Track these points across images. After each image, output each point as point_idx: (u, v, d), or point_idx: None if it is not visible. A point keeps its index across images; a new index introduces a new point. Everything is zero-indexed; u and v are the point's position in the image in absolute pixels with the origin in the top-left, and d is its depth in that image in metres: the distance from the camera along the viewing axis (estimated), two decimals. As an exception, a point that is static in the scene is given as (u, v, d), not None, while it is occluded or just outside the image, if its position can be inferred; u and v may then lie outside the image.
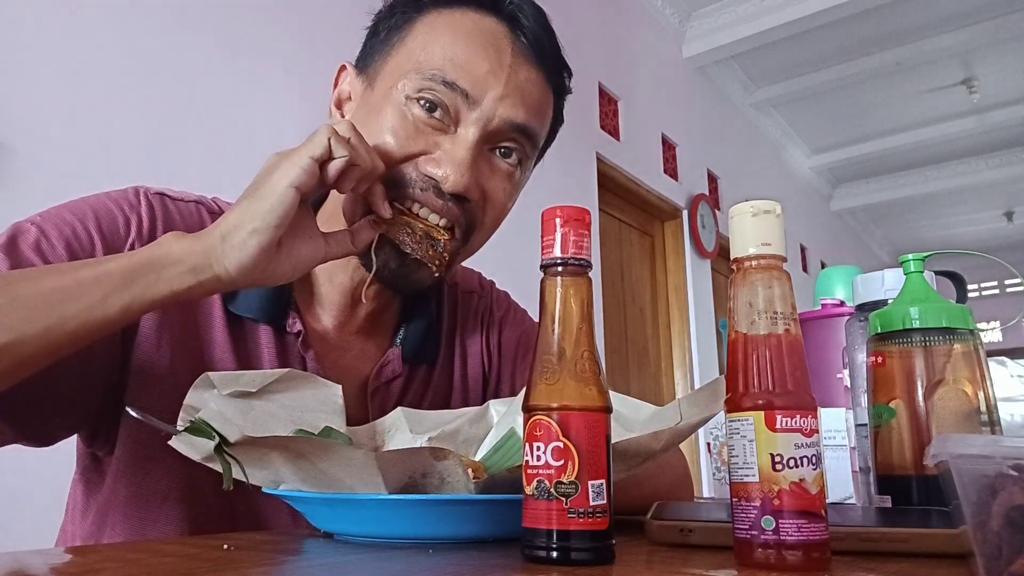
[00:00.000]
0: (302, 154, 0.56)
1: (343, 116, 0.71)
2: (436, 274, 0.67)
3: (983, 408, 0.58)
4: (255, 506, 0.66)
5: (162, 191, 0.69)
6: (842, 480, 0.72)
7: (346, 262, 0.70)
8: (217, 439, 0.47)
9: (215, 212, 0.71)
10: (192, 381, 0.56)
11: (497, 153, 0.68)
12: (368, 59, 0.70)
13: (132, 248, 0.63)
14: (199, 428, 0.48)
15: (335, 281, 0.72)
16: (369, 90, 0.69)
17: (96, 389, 0.62)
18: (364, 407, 0.72)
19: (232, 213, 0.55)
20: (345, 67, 0.73)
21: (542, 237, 0.42)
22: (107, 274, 0.52)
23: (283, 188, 0.55)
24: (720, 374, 0.48)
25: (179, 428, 0.49)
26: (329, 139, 0.57)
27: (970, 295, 0.75)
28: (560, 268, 0.42)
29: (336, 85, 0.73)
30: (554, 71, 0.70)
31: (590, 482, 0.38)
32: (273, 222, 0.54)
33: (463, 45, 0.65)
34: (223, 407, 0.55)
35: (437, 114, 0.64)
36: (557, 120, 0.75)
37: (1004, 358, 0.76)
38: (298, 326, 0.69)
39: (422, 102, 0.64)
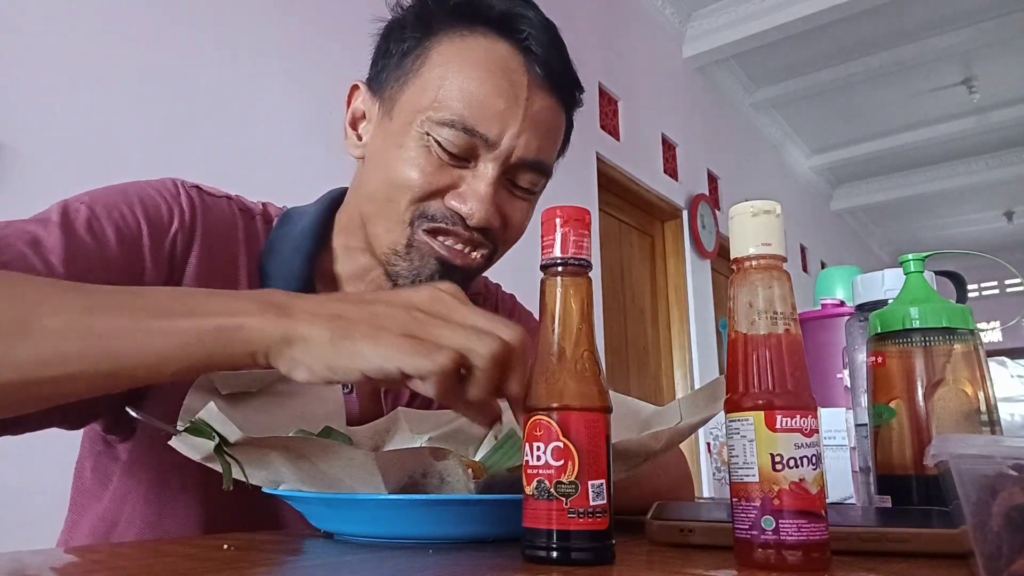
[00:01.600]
0: (444, 363, 0.42)
1: (359, 136, 0.73)
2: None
3: (983, 408, 0.58)
4: (273, 498, 0.66)
5: (196, 184, 0.71)
6: (842, 480, 0.72)
7: (365, 272, 0.72)
8: (217, 439, 0.47)
9: (244, 208, 0.73)
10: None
11: (516, 188, 0.70)
12: (382, 83, 0.71)
13: (175, 238, 0.64)
14: (199, 428, 0.48)
15: (355, 287, 0.74)
16: (387, 119, 0.69)
17: None
18: (378, 404, 0.72)
19: (321, 327, 0.44)
20: (358, 86, 0.74)
21: (542, 237, 0.42)
22: (177, 333, 0.45)
23: (365, 362, 0.43)
24: (720, 374, 0.48)
25: (179, 428, 0.49)
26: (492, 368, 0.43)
27: (970, 295, 0.75)
28: (560, 268, 0.42)
29: (349, 104, 0.74)
30: (567, 92, 0.71)
31: (590, 482, 0.38)
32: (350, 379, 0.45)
33: (478, 81, 0.65)
34: (223, 407, 0.55)
35: (458, 153, 0.66)
36: (568, 129, 0.76)
37: (1004, 358, 0.76)
38: None
39: (444, 146, 0.65)
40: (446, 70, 0.66)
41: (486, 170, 0.66)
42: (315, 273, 0.71)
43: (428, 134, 0.65)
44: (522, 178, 0.69)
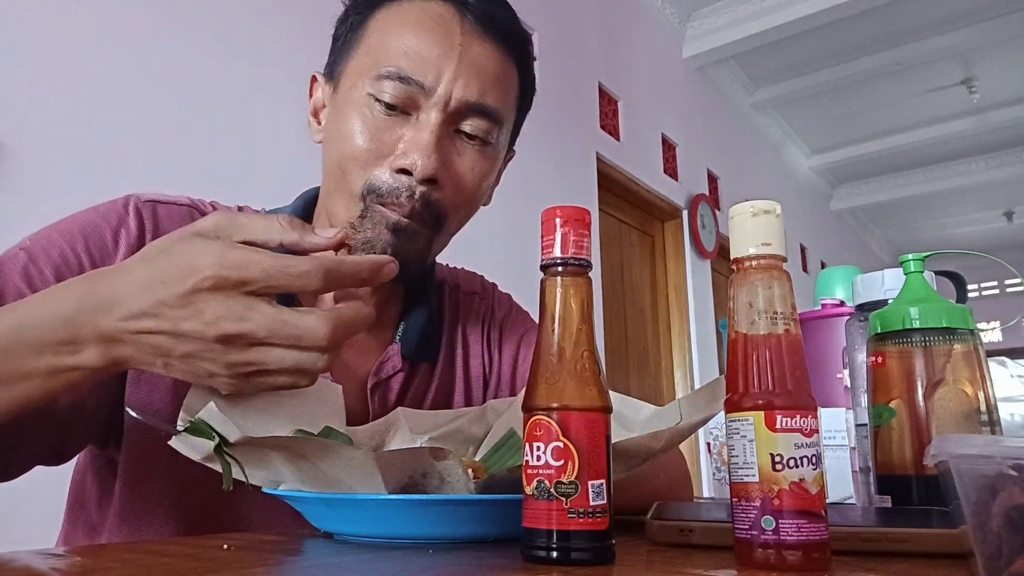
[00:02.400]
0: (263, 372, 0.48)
1: (320, 124, 0.73)
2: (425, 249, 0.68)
3: (983, 408, 0.58)
4: (249, 513, 0.66)
5: (153, 197, 0.69)
6: (842, 480, 0.72)
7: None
8: (217, 439, 0.47)
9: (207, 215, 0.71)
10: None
11: (463, 136, 0.68)
12: (332, 64, 0.72)
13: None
14: (199, 428, 0.48)
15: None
16: (335, 94, 0.71)
17: (109, 400, 0.63)
18: (365, 404, 0.72)
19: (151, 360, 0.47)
20: (315, 77, 0.75)
21: (542, 237, 0.42)
22: (16, 390, 0.47)
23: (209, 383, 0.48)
24: (720, 374, 0.48)
25: (179, 428, 0.49)
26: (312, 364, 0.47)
27: (970, 295, 0.75)
28: (560, 268, 0.42)
29: (311, 95, 0.75)
30: (509, 41, 0.70)
31: (590, 482, 0.38)
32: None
33: (413, 35, 0.66)
34: (223, 407, 0.55)
35: (398, 108, 0.66)
36: (529, 88, 0.75)
37: (1004, 358, 0.76)
38: None
39: (382, 99, 0.65)
40: (383, 34, 0.67)
41: (427, 119, 0.65)
42: None
43: (369, 94, 0.66)
44: (468, 124, 0.68)
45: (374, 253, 0.66)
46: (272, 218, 0.49)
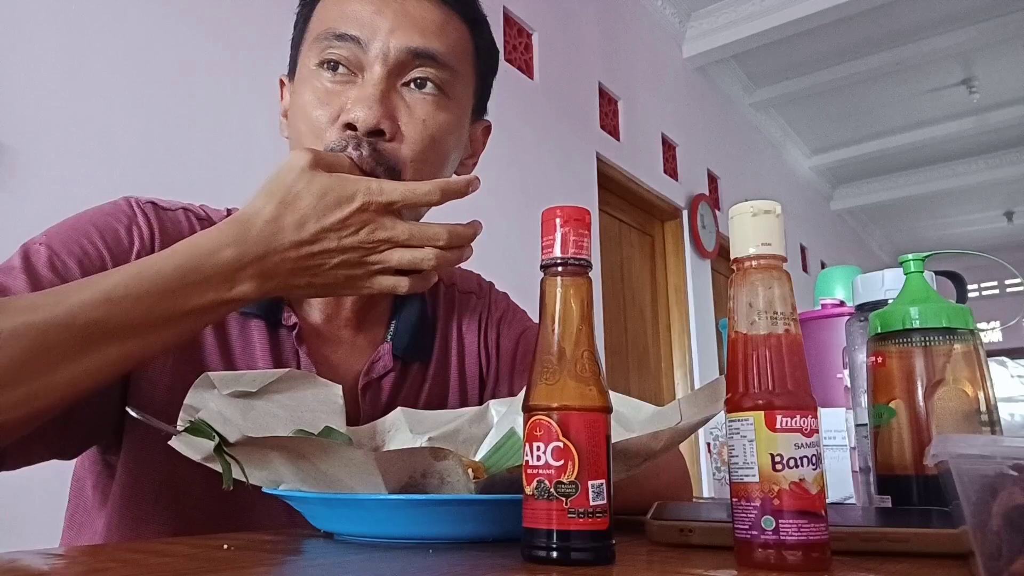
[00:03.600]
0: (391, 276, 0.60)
1: (288, 121, 0.74)
2: None
3: (983, 408, 0.58)
4: (246, 515, 0.66)
5: (151, 199, 0.70)
6: (842, 480, 0.72)
7: None
8: (217, 439, 0.47)
9: (203, 218, 0.72)
10: (184, 378, 0.56)
11: (413, 87, 0.68)
12: (291, 63, 0.74)
13: (138, 257, 0.64)
14: (199, 428, 0.48)
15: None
16: (292, 83, 0.73)
17: (116, 399, 0.63)
18: (356, 404, 0.71)
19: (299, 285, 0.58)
20: (283, 80, 0.77)
21: (542, 237, 0.42)
22: (182, 317, 0.54)
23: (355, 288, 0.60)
24: (720, 374, 0.48)
25: (179, 428, 0.49)
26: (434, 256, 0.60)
27: (970, 295, 0.75)
28: (560, 268, 0.42)
29: (281, 98, 0.76)
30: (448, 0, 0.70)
31: (590, 482, 0.38)
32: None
33: (348, 2, 0.67)
34: (223, 407, 0.55)
35: (341, 71, 0.67)
36: (486, 49, 0.75)
37: (1004, 358, 0.76)
38: (293, 319, 0.70)
39: (325, 65, 0.67)
40: (322, 12, 0.69)
41: (371, 75, 0.66)
42: None
43: (315, 66, 0.67)
44: (415, 71, 0.67)
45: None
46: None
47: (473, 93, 0.74)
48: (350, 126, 0.64)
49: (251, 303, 0.58)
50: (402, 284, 0.60)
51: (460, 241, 0.60)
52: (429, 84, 0.67)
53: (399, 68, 0.66)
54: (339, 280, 0.58)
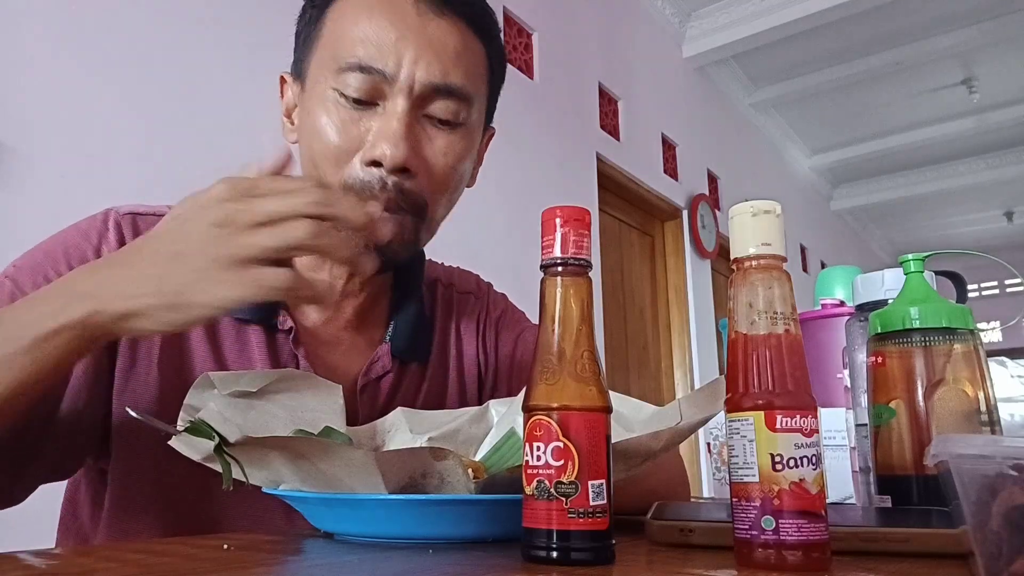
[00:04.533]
0: (253, 268, 0.48)
1: (292, 124, 0.73)
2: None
3: (983, 408, 0.58)
4: (240, 517, 0.66)
5: (132, 210, 0.69)
6: (842, 480, 0.72)
7: (322, 260, 0.70)
8: (217, 439, 0.47)
9: None
10: (179, 384, 0.56)
11: (433, 120, 0.67)
12: (298, 62, 0.72)
13: None
14: (199, 428, 0.48)
15: (316, 278, 0.72)
16: (303, 93, 0.70)
17: (100, 410, 0.63)
18: (354, 404, 0.71)
19: (145, 300, 0.49)
20: (284, 78, 0.74)
21: (542, 237, 0.42)
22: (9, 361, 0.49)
23: (209, 309, 0.48)
24: (720, 374, 0.48)
25: (179, 428, 0.49)
26: (308, 232, 0.48)
27: (970, 295, 0.75)
28: (560, 268, 0.42)
29: (282, 96, 0.75)
30: (467, 13, 0.69)
31: (590, 482, 0.38)
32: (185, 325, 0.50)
33: (367, 21, 0.65)
34: (223, 407, 0.55)
35: (364, 99, 0.65)
36: (498, 59, 0.74)
37: (1004, 358, 0.76)
38: (289, 323, 0.70)
39: (347, 93, 0.65)
40: (339, 23, 0.67)
41: (394, 107, 0.64)
42: None
43: (334, 89, 0.65)
44: (437, 107, 0.66)
45: (354, 246, 0.66)
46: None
47: (485, 109, 0.74)
48: (375, 163, 0.64)
49: (86, 337, 0.50)
50: (278, 278, 0.48)
51: (338, 210, 0.50)
52: (450, 119, 0.68)
53: (421, 101, 0.66)
54: (209, 278, 0.48)
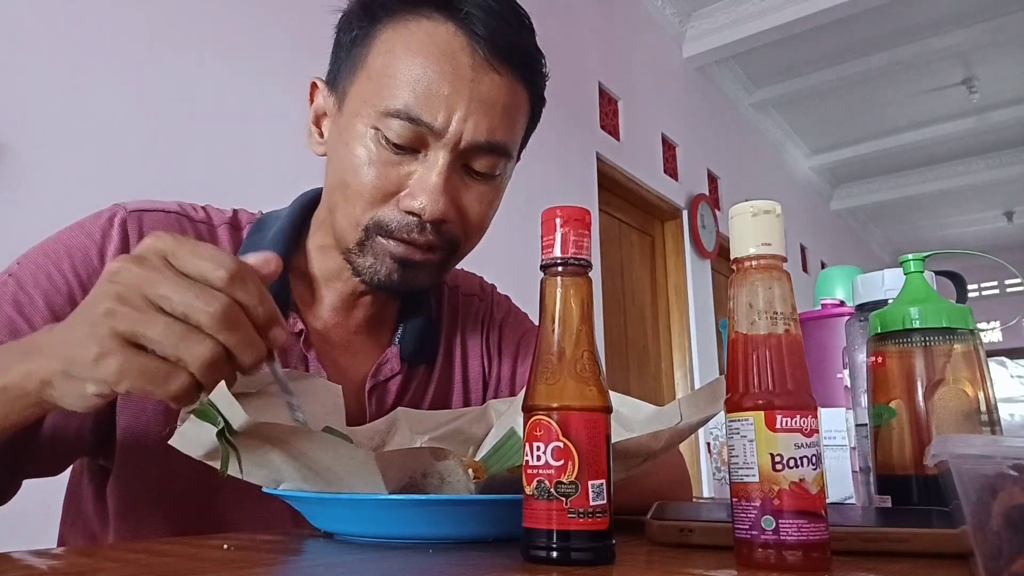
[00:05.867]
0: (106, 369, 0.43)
1: (321, 134, 0.71)
2: (430, 280, 0.69)
3: (983, 408, 0.58)
4: (242, 518, 0.66)
5: (139, 207, 0.68)
6: (842, 480, 0.72)
7: (340, 271, 0.71)
8: (222, 423, 0.47)
9: (198, 221, 0.71)
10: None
11: (472, 172, 0.67)
12: (336, 76, 0.70)
13: None
14: (205, 411, 0.47)
15: (332, 286, 0.73)
16: (339, 113, 0.68)
17: (92, 417, 0.63)
18: (362, 406, 0.72)
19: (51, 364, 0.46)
20: (316, 84, 0.72)
21: (542, 237, 0.42)
22: None
23: (94, 384, 0.45)
24: (720, 374, 0.48)
25: (180, 422, 0.48)
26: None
27: (970, 295, 0.75)
28: (560, 268, 0.42)
29: (312, 101, 0.72)
30: (522, 66, 0.68)
31: (590, 482, 0.38)
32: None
33: (420, 68, 0.63)
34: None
35: (406, 145, 0.64)
36: (538, 102, 0.72)
37: (1004, 358, 0.76)
38: (299, 325, 0.70)
39: (389, 137, 0.63)
40: (389, 59, 0.64)
41: (436, 159, 0.63)
42: (291, 275, 0.71)
43: (376, 128, 0.63)
44: (478, 162, 0.66)
45: (378, 279, 0.66)
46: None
47: (519, 149, 0.73)
48: (413, 213, 0.64)
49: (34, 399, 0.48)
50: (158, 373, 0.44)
51: (246, 335, 0.46)
52: (487, 172, 0.67)
53: (464, 155, 0.65)
54: (91, 350, 0.43)
